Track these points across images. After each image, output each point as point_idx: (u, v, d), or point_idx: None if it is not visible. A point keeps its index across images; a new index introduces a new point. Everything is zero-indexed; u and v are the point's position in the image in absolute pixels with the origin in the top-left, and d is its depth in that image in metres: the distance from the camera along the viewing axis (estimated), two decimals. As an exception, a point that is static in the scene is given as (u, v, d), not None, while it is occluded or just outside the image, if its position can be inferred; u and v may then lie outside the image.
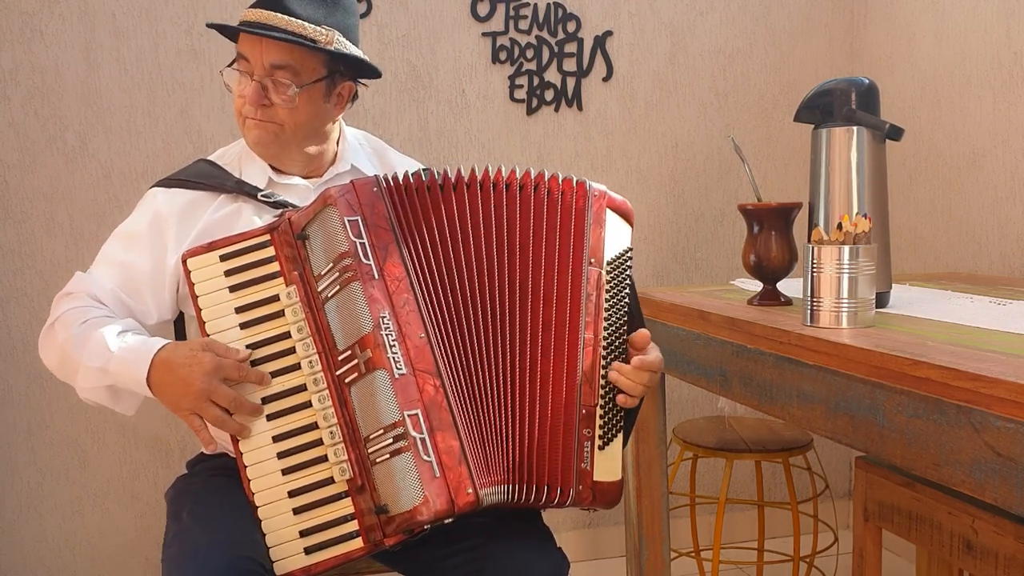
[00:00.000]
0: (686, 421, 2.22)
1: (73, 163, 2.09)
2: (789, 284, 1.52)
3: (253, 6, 1.38)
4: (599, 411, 1.27)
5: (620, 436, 1.30)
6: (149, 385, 1.26)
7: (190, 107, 2.14)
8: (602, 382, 1.28)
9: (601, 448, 1.26)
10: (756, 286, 1.55)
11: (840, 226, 1.23)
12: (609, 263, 1.31)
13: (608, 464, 1.27)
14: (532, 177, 1.30)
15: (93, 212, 2.11)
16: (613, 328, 1.30)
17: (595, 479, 1.25)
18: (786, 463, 2.04)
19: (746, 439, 2.02)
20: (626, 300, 1.33)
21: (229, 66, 1.41)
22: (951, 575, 1.59)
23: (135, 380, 1.26)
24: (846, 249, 1.19)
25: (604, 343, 1.28)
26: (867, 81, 1.40)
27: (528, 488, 1.24)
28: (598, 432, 1.26)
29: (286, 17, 1.34)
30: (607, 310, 1.29)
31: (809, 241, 1.26)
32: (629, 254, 1.35)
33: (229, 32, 1.42)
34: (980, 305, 1.43)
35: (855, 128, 1.37)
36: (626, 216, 1.36)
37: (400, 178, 1.28)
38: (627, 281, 1.33)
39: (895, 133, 1.37)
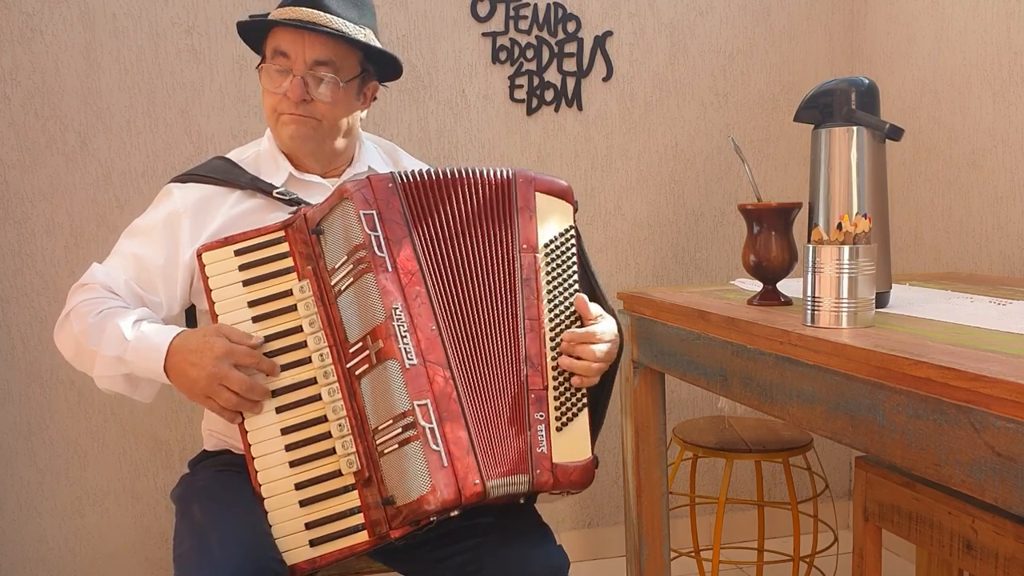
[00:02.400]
0: (686, 421, 2.22)
1: (73, 163, 2.09)
2: (789, 284, 1.52)
3: (291, 4, 1.41)
4: (552, 393, 1.27)
5: (583, 415, 1.29)
6: (166, 372, 1.27)
7: (190, 107, 2.14)
8: (553, 364, 1.28)
9: (559, 430, 1.26)
10: (756, 286, 1.55)
11: (840, 226, 1.23)
12: (546, 245, 1.32)
13: (570, 445, 1.27)
14: (473, 175, 1.32)
15: (93, 212, 2.11)
16: (560, 310, 1.31)
17: (555, 461, 1.24)
18: (786, 463, 2.04)
19: (746, 439, 2.02)
20: (574, 280, 1.33)
21: (261, 64, 1.44)
22: (951, 575, 1.59)
23: (152, 368, 1.28)
24: (846, 249, 1.19)
25: (550, 325, 1.29)
26: (867, 81, 1.40)
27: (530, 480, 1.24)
28: (553, 415, 1.26)
29: (328, 15, 1.39)
30: (550, 292, 1.30)
31: (809, 241, 1.26)
32: (570, 233, 1.35)
33: (259, 30, 1.44)
34: (980, 305, 1.43)
35: (855, 128, 1.37)
36: (562, 196, 1.36)
37: (416, 175, 1.30)
38: (572, 260, 1.34)
39: (895, 133, 1.37)
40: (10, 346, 2.10)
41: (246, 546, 1.19)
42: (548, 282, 1.31)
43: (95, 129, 2.10)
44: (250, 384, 1.24)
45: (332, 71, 1.40)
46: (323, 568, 1.23)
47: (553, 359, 1.28)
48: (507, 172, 1.33)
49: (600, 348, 1.30)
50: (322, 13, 1.39)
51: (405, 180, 1.29)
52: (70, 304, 1.38)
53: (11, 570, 2.14)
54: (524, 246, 1.31)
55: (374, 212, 1.25)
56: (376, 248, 1.24)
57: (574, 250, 1.35)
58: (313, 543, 1.22)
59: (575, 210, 1.37)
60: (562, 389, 1.28)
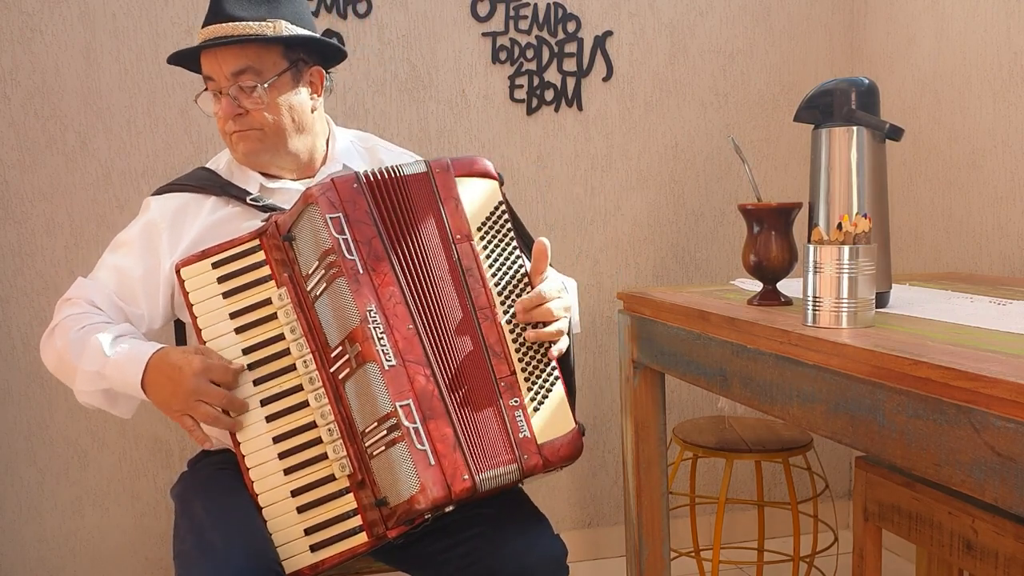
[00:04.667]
0: (686, 421, 2.22)
1: (73, 163, 2.09)
2: (789, 284, 1.52)
3: (204, 26, 1.42)
4: (521, 376, 1.27)
5: (558, 388, 1.29)
6: (143, 388, 1.28)
7: (190, 107, 2.14)
8: (515, 346, 1.28)
9: (536, 410, 1.26)
10: (756, 286, 1.55)
11: (840, 226, 1.23)
12: (479, 228, 1.31)
13: (551, 422, 1.27)
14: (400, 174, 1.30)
15: (93, 212, 2.11)
16: (509, 287, 1.30)
17: (540, 443, 1.25)
18: (786, 463, 2.04)
19: (746, 439, 2.02)
20: (516, 256, 1.32)
21: (200, 94, 1.45)
22: (951, 575, 1.59)
23: (130, 384, 1.28)
24: (846, 249, 1.19)
25: (504, 306, 1.29)
26: (867, 81, 1.40)
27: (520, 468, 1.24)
28: (527, 397, 1.26)
29: (230, 24, 1.38)
30: (494, 274, 1.29)
31: (809, 241, 1.26)
32: (501, 208, 1.34)
33: (191, 63, 1.46)
34: (980, 305, 1.43)
35: (855, 128, 1.37)
36: (484, 174, 1.34)
37: (381, 172, 1.29)
38: (509, 235, 1.33)
39: (895, 133, 1.37)
40: (10, 346, 2.10)
41: (248, 544, 1.19)
42: (490, 265, 1.30)
43: (95, 129, 2.10)
44: (229, 398, 1.24)
45: (253, 76, 1.39)
46: (325, 571, 1.24)
47: (513, 340, 1.28)
48: (420, 166, 1.31)
49: (554, 305, 1.29)
50: (223, 24, 1.38)
51: (371, 179, 1.28)
52: (56, 319, 1.39)
53: (11, 570, 2.14)
54: (457, 236, 1.29)
55: (340, 215, 1.25)
56: (345, 252, 1.23)
57: (509, 225, 1.34)
58: (314, 548, 1.23)
59: (501, 183, 1.35)
60: (530, 369, 1.27)
